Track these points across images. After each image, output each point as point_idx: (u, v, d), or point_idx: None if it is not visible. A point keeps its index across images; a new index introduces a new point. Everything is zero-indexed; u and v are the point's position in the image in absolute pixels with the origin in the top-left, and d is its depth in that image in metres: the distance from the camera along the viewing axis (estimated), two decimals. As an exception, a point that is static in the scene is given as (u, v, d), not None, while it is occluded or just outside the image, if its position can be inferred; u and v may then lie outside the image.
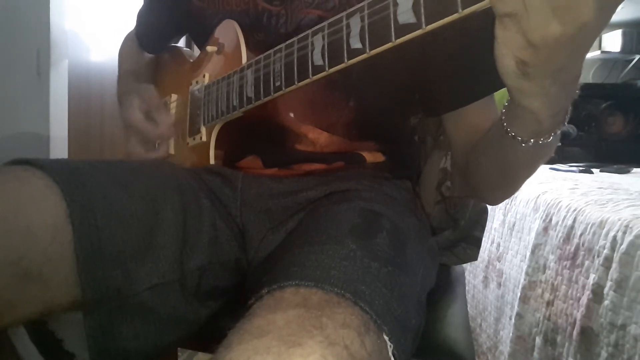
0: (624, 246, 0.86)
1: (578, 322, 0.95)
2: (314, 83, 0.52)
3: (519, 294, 1.21)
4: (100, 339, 0.52)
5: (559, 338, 1.03)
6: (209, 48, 0.70)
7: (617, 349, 0.83)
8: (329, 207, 0.59)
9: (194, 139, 0.72)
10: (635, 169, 1.89)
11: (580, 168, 1.85)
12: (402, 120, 0.75)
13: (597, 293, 0.91)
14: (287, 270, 0.44)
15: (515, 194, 1.41)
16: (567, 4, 0.33)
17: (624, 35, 2.55)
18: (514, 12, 0.35)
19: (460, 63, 0.59)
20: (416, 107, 0.72)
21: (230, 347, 0.34)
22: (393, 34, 0.42)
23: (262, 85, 0.58)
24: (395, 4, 0.41)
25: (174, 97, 0.81)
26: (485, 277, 1.49)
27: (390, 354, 0.40)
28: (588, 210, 1.04)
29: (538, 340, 1.10)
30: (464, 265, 0.84)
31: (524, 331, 1.18)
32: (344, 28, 0.46)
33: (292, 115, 0.67)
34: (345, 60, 0.47)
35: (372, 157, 0.71)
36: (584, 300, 0.94)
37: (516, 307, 1.21)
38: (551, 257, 1.12)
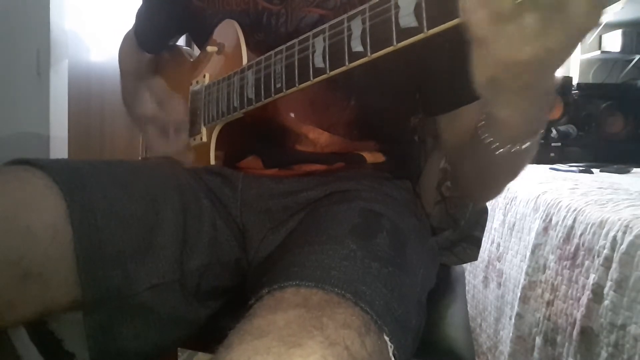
0: (624, 246, 0.86)
1: (578, 322, 0.95)
2: (315, 84, 0.52)
3: (519, 294, 1.21)
4: (100, 339, 0.52)
5: (559, 338, 1.03)
6: (209, 48, 0.70)
7: (617, 349, 0.83)
8: (329, 207, 0.59)
9: (194, 139, 0.72)
10: (635, 169, 1.89)
11: (580, 168, 1.85)
12: (402, 120, 0.75)
13: (597, 293, 0.91)
14: (288, 270, 0.44)
15: (515, 194, 1.41)
16: (538, 32, 0.35)
17: (624, 35, 2.55)
18: (486, 37, 0.36)
19: (457, 65, 0.59)
20: (416, 107, 0.72)
21: (231, 348, 0.34)
22: (394, 37, 0.42)
23: (262, 87, 0.58)
24: (397, 7, 0.41)
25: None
26: (485, 277, 1.49)
27: (390, 354, 0.40)
28: (588, 210, 1.04)
29: (538, 340, 1.10)
30: (464, 265, 0.84)
31: (524, 331, 1.18)
32: (345, 30, 0.46)
33: (292, 115, 0.67)
34: (347, 63, 0.47)
35: (372, 157, 0.71)
36: (584, 300, 0.94)
37: (516, 307, 1.21)
38: (551, 257, 1.12)
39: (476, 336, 1.49)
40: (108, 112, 1.70)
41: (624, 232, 0.88)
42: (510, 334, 1.21)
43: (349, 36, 0.46)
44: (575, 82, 2.66)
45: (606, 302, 0.87)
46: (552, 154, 2.43)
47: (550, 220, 1.16)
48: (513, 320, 1.22)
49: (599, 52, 2.68)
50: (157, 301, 0.55)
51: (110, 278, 0.52)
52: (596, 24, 0.35)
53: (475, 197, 0.71)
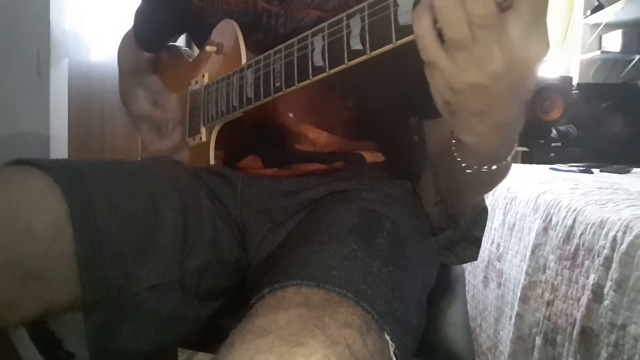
0: (624, 246, 0.86)
1: (578, 322, 0.95)
2: (314, 83, 0.52)
3: (519, 294, 1.21)
4: (100, 339, 0.52)
5: (559, 338, 1.03)
6: (208, 48, 0.70)
7: (617, 349, 0.83)
8: (329, 207, 0.59)
9: (193, 139, 0.72)
10: (635, 169, 1.89)
11: (580, 168, 1.85)
12: (401, 120, 0.75)
13: (597, 293, 0.91)
14: (289, 270, 0.44)
15: (515, 194, 1.41)
16: (482, 58, 0.36)
17: (624, 35, 2.55)
18: (436, 62, 0.38)
19: None
20: (415, 107, 0.72)
21: (233, 347, 0.34)
22: (394, 35, 0.42)
23: (262, 86, 0.58)
24: (396, 5, 0.41)
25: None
26: (485, 277, 1.49)
27: (391, 353, 0.40)
28: (588, 210, 1.04)
29: (538, 340, 1.10)
30: (464, 265, 0.84)
31: (524, 331, 1.18)
32: (344, 29, 0.46)
33: (291, 115, 0.67)
34: (346, 61, 0.47)
35: (372, 157, 0.71)
36: (584, 300, 0.94)
37: (516, 307, 1.21)
38: (551, 257, 1.12)
39: (476, 336, 1.49)
40: (108, 112, 1.70)
41: (624, 232, 0.88)
42: (510, 334, 1.21)
43: (348, 34, 0.46)
44: (575, 82, 2.67)
45: (606, 302, 0.87)
46: (552, 154, 2.43)
47: (550, 220, 1.16)
48: (513, 320, 1.21)
49: (599, 52, 2.68)
50: (157, 301, 0.55)
51: (110, 278, 0.52)
52: (539, 54, 0.36)
53: (451, 202, 0.72)
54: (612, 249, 0.90)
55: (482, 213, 0.78)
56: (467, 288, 1.58)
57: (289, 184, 0.67)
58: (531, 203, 1.30)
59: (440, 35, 0.37)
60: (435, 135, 0.66)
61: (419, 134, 0.83)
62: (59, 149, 1.44)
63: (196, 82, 0.74)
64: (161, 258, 0.56)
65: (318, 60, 0.50)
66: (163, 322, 0.56)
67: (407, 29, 0.41)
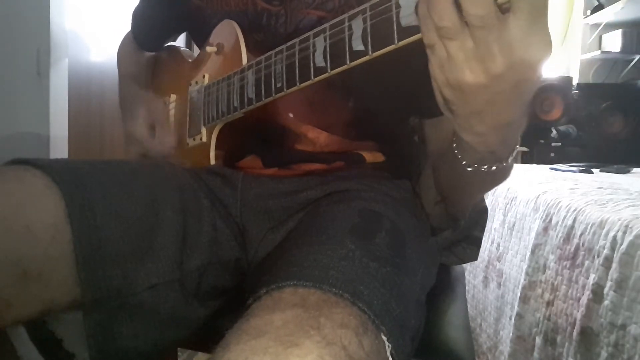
0: (624, 246, 0.86)
1: (578, 322, 0.95)
2: (314, 84, 0.52)
3: (519, 294, 1.21)
4: (100, 339, 0.52)
5: (559, 338, 1.03)
6: (209, 48, 0.70)
7: (617, 349, 0.83)
8: (329, 207, 0.59)
9: (194, 139, 0.72)
10: (635, 169, 1.89)
11: (580, 168, 1.84)
12: (401, 120, 0.75)
13: (597, 293, 0.91)
14: (286, 270, 0.44)
15: (515, 194, 1.41)
16: (478, 57, 0.36)
17: (624, 35, 2.55)
18: (438, 52, 0.38)
19: None
20: (415, 107, 0.72)
21: (228, 348, 0.34)
22: (396, 36, 0.42)
23: (263, 86, 0.58)
24: (398, 7, 0.41)
25: (172, 97, 0.81)
26: (485, 277, 1.49)
27: (388, 354, 0.40)
28: (588, 210, 1.04)
29: (538, 340, 1.10)
30: (464, 265, 0.84)
31: (524, 331, 1.17)
32: (346, 30, 0.46)
33: (291, 115, 0.67)
34: (348, 62, 0.47)
35: (371, 157, 0.71)
36: (584, 300, 0.94)
37: (516, 307, 1.21)
38: (551, 257, 1.12)
39: (476, 336, 1.49)
40: (108, 112, 1.70)
41: (624, 232, 0.88)
42: (510, 334, 1.21)
43: (350, 35, 0.46)
44: (575, 82, 2.66)
45: (606, 302, 0.87)
46: (552, 154, 2.43)
47: (550, 220, 1.16)
48: (513, 320, 1.21)
49: (599, 52, 2.68)
50: (157, 301, 0.55)
51: (110, 278, 0.52)
52: (541, 55, 0.36)
53: (451, 202, 0.71)
54: (612, 249, 0.90)
55: (482, 213, 0.78)
56: (467, 288, 1.58)
57: (289, 184, 0.68)
58: (531, 203, 1.30)
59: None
60: (436, 133, 0.66)
61: (419, 133, 0.83)
62: (59, 149, 1.44)
63: (196, 82, 0.74)
64: (161, 258, 0.56)
65: (320, 61, 0.50)
66: (163, 322, 0.56)
67: (409, 30, 0.41)
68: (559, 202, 1.17)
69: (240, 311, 0.40)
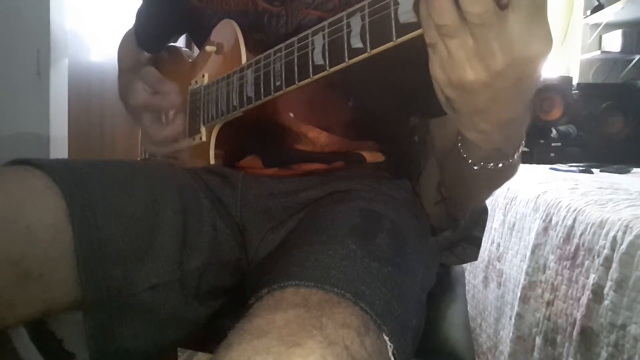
0: (624, 246, 0.86)
1: (578, 322, 0.95)
2: (313, 83, 0.52)
3: (519, 294, 1.21)
4: (100, 339, 0.52)
5: (559, 338, 1.03)
6: (208, 48, 0.70)
7: (617, 349, 0.83)
8: (329, 207, 0.59)
9: (193, 139, 0.72)
10: (635, 169, 1.89)
11: (580, 168, 1.85)
12: (401, 120, 0.75)
13: (597, 293, 0.91)
14: (287, 270, 0.44)
15: (515, 194, 1.41)
16: (479, 54, 0.36)
17: (624, 35, 2.55)
18: (439, 51, 0.38)
19: None
20: (415, 107, 0.72)
21: (230, 347, 0.34)
22: (394, 33, 0.42)
23: (262, 85, 0.58)
24: (396, 3, 0.41)
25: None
26: (485, 277, 1.49)
27: (390, 354, 0.40)
28: (588, 210, 1.04)
29: (538, 340, 1.10)
30: (464, 265, 0.84)
31: (524, 331, 1.17)
32: (345, 27, 0.46)
33: (291, 115, 0.67)
34: (346, 59, 0.47)
35: (372, 156, 0.71)
36: (584, 300, 0.94)
37: (516, 307, 1.21)
38: (551, 257, 1.12)
39: (476, 336, 1.49)
40: (108, 112, 1.70)
41: (624, 232, 0.88)
42: (510, 334, 1.21)
43: (349, 33, 0.46)
44: (575, 82, 2.66)
45: (606, 302, 0.87)
46: (552, 154, 2.43)
47: (550, 220, 1.16)
48: (513, 320, 1.21)
49: (599, 52, 2.68)
50: (157, 301, 0.55)
51: (110, 278, 0.52)
52: (541, 51, 0.36)
53: (456, 202, 0.72)
54: (612, 249, 0.90)
55: (482, 213, 0.78)
56: (467, 288, 1.58)
57: (289, 184, 0.67)
58: (531, 203, 1.30)
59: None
60: (441, 132, 0.65)
61: (419, 133, 0.83)
62: (59, 149, 1.44)
63: (196, 82, 0.74)
64: (161, 258, 0.56)
65: (318, 59, 0.50)
66: (163, 322, 0.56)
67: (408, 27, 0.41)
68: (559, 202, 1.17)
69: (241, 311, 0.40)
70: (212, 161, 0.69)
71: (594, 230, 0.97)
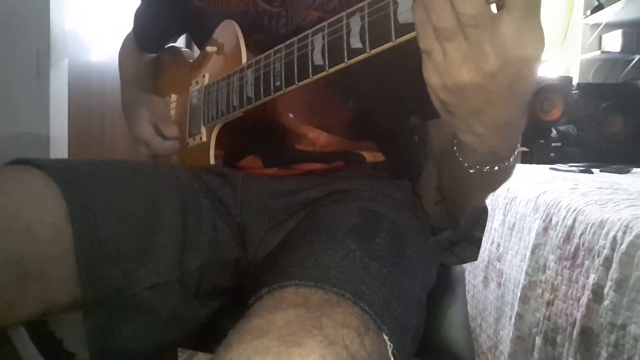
0: (624, 246, 0.86)
1: (578, 322, 0.95)
2: (313, 83, 0.52)
3: (519, 294, 1.21)
4: (100, 339, 0.52)
5: (559, 338, 1.03)
6: (209, 48, 0.70)
7: (617, 349, 0.83)
8: (329, 207, 0.59)
9: (193, 139, 0.72)
10: (635, 169, 1.89)
11: (580, 168, 1.85)
12: (401, 120, 0.75)
13: (597, 293, 0.91)
14: (287, 270, 0.44)
15: (515, 194, 1.41)
16: (476, 57, 0.36)
17: (624, 35, 2.55)
18: (435, 56, 0.38)
19: None
20: (414, 107, 0.72)
21: (230, 347, 0.34)
22: (393, 33, 0.42)
23: (262, 85, 0.58)
24: (395, 4, 0.41)
25: (173, 97, 0.81)
26: (485, 277, 1.49)
27: (390, 353, 0.40)
28: (588, 210, 1.04)
29: (538, 340, 1.10)
30: (464, 265, 0.84)
31: (524, 331, 1.18)
32: (344, 27, 0.46)
33: (291, 115, 0.67)
34: (346, 60, 0.47)
35: (371, 156, 0.71)
36: (584, 300, 0.94)
37: (516, 307, 1.21)
38: (551, 257, 1.12)
39: (476, 336, 1.49)
40: (108, 112, 1.70)
41: (624, 232, 0.88)
42: (510, 334, 1.21)
43: (348, 33, 0.46)
44: (575, 82, 2.66)
45: (606, 302, 0.87)
46: (552, 154, 2.43)
47: (550, 220, 1.16)
48: (513, 320, 1.21)
49: (599, 52, 2.68)
50: (157, 301, 0.55)
51: (110, 278, 0.52)
52: (534, 53, 0.36)
53: (454, 202, 0.72)
54: (612, 249, 0.90)
55: (482, 213, 0.78)
56: (467, 288, 1.58)
57: (289, 184, 0.68)
58: (531, 203, 1.30)
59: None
60: (438, 134, 0.65)
61: (419, 133, 0.83)
62: (59, 149, 1.44)
63: (197, 82, 0.74)
64: (161, 258, 0.56)
65: (318, 59, 0.50)
66: (163, 322, 0.56)
67: (407, 28, 0.41)
68: (559, 202, 1.17)
69: (241, 311, 0.40)
70: (212, 161, 0.69)
71: (594, 230, 0.97)
